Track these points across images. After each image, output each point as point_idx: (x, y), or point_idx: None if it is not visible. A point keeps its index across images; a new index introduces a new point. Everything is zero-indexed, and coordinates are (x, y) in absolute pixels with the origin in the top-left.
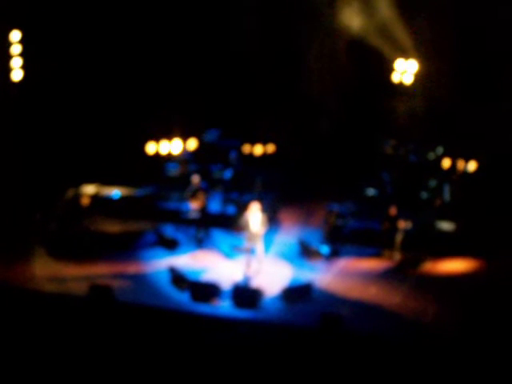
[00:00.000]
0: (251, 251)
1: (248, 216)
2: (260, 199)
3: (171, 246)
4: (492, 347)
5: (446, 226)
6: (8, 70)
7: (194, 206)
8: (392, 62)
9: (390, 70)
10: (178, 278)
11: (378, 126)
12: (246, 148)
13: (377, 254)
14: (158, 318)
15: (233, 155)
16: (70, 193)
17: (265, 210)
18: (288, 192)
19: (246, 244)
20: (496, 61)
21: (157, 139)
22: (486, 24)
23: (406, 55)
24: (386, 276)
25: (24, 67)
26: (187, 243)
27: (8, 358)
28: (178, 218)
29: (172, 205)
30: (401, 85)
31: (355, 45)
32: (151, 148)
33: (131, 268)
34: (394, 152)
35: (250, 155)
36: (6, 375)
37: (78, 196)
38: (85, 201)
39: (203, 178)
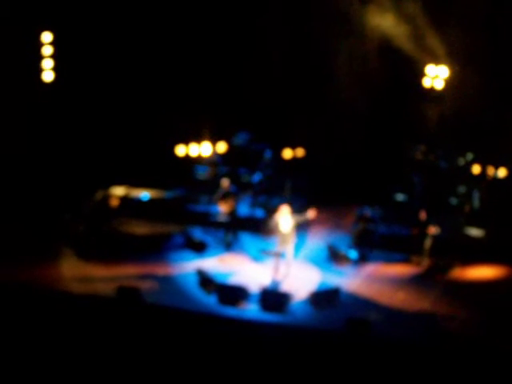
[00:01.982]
0: (280, 255)
1: (278, 219)
2: (289, 203)
3: (199, 248)
4: None
5: (474, 232)
6: (39, 70)
7: (223, 209)
8: (423, 67)
9: (421, 75)
10: (206, 281)
11: (407, 131)
12: (276, 152)
13: (405, 260)
14: (185, 320)
15: (266, 158)
16: (100, 194)
17: (295, 213)
18: (317, 196)
19: (276, 247)
20: None
21: (186, 142)
22: None
23: (436, 61)
24: (414, 282)
25: (55, 69)
26: (215, 246)
27: (36, 357)
28: (207, 221)
29: (201, 207)
30: (432, 90)
31: (386, 49)
32: (181, 150)
33: (159, 270)
34: (424, 157)
35: (280, 159)
36: (33, 374)
37: (107, 197)
38: (114, 202)
39: (232, 181)
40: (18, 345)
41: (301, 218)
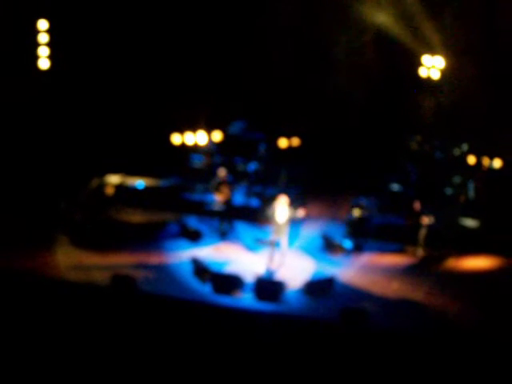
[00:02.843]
0: (275, 244)
1: (274, 208)
2: (285, 193)
3: (194, 237)
4: None
5: (469, 222)
6: (35, 57)
7: (218, 198)
8: (420, 57)
9: (418, 65)
10: (201, 270)
11: (403, 121)
12: (271, 141)
13: (400, 250)
14: (180, 308)
15: (261, 148)
16: (95, 182)
17: (290, 203)
18: (313, 186)
19: (270, 237)
20: None
21: (182, 131)
22: None
23: (432, 51)
24: (408, 272)
25: (51, 57)
26: (210, 235)
27: (30, 345)
28: (202, 210)
29: (196, 196)
30: (428, 80)
31: (382, 39)
32: (176, 139)
33: (154, 258)
34: (419, 148)
35: (275, 148)
36: (26, 362)
37: (102, 186)
38: (109, 190)
39: (228, 170)
40: (13, 332)
41: (292, 214)
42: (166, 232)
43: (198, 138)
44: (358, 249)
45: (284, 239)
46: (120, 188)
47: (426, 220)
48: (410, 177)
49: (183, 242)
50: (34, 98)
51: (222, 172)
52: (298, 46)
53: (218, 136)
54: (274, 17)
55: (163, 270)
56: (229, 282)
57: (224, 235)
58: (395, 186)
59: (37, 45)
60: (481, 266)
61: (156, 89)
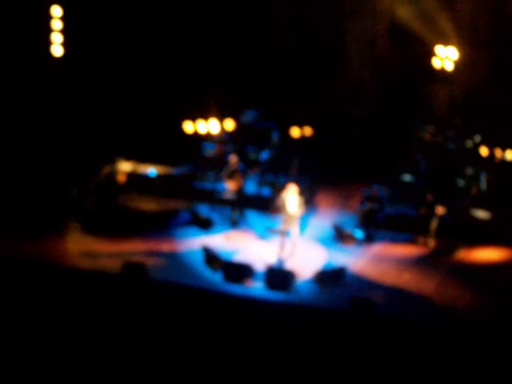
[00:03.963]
0: (286, 233)
1: (285, 197)
2: (296, 182)
3: (205, 225)
4: None
5: (481, 214)
6: (49, 44)
7: (230, 186)
8: (433, 47)
9: (431, 55)
10: (212, 258)
11: (416, 111)
12: (284, 130)
13: (411, 241)
14: (190, 296)
15: (274, 137)
16: (107, 169)
17: (301, 192)
18: (324, 175)
19: (280, 226)
20: None
21: (194, 119)
22: None
23: (446, 41)
24: (419, 262)
25: (64, 43)
26: (222, 223)
27: (40, 331)
28: (214, 198)
29: (208, 184)
30: (441, 71)
31: (396, 29)
32: (189, 127)
33: (165, 246)
34: (432, 138)
35: (288, 137)
36: (39, 349)
37: (114, 173)
38: (121, 178)
39: (240, 159)
40: (23, 319)
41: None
42: (178, 220)
43: (210, 126)
44: (369, 239)
45: (295, 228)
46: (132, 175)
47: (441, 210)
48: (422, 167)
49: (194, 230)
50: (47, 85)
51: (233, 159)
52: (311, 35)
53: (230, 124)
54: (287, 5)
55: (174, 258)
56: (239, 271)
57: (235, 224)
58: (407, 177)
59: (50, 31)
60: (492, 257)
61: (169, 76)
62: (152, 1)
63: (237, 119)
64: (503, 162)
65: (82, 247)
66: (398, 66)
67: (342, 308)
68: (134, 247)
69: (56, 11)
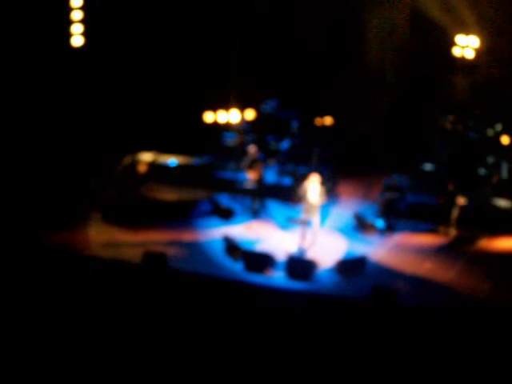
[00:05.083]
0: (307, 223)
1: (306, 187)
2: (317, 171)
3: (226, 215)
4: None
5: (502, 203)
6: (69, 35)
7: (250, 176)
8: (454, 36)
9: (452, 44)
10: (232, 248)
11: (437, 100)
12: (304, 120)
13: (432, 230)
14: (211, 286)
15: (294, 126)
16: (128, 160)
17: (323, 182)
18: (345, 165)
19: (302, 215)
20: None
21: (214, 109)
22: None
23: (467, 30)
24: (440, 252)
25: (84, 34)
26: (242, 213)
27: (63, 321)
28: (234, 188)
29: (228, 174)
30: (462, 60)
31: (416, 17)
32: (209, 117)
33: (186, 236)
34: (453, 127)
35: (308, 127)
36: (60, 338)
37: (135, 163)
38: (142, 168)
39: (260, 148)
40: (45, 307)
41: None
42: (198, 210)
43: (230, 116)
44: (390, 228)
45: (316, 218)
46: (152, 165)
47: (461, 200)
48: (443, 157)
49: (215, 220)
50: (68, 77)
51: (252, 149)
52: (331, 23)
53: (250, 114)
54: None
55: (195, 248)
56: (260, 261)
57: (256, 213)
58: (428, 166)
59: (70, 22)
60: None
61: (189, 67)
62: None
63: (257, 109)
64: None
65: (104, 237)
66: (419, 56)
67: (364, 297)
68: (155, 237)
69: (76, 2)
